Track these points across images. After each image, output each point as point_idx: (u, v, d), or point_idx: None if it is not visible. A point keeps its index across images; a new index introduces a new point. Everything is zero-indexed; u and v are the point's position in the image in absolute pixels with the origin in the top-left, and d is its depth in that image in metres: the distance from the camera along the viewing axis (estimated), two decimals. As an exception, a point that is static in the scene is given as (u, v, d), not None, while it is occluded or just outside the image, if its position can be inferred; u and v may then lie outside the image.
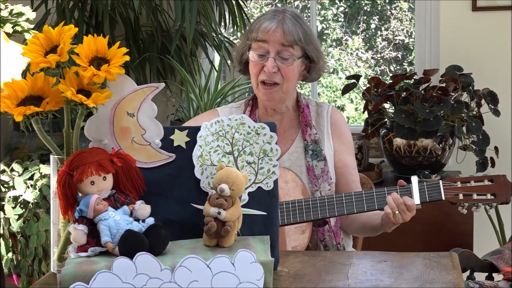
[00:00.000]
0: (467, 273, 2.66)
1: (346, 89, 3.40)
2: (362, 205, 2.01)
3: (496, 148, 3.27)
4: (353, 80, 3.38)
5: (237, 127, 1.58)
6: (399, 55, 5.18)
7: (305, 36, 2.12)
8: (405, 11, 5.19)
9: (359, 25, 5.24)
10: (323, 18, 5.19)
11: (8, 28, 2.55)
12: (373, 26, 5.22)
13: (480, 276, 2.71)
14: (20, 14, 2.64)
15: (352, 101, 5.33)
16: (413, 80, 3.31)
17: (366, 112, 3.40)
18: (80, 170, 1.43)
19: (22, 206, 2.84)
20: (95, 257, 1.41)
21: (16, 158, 3.13)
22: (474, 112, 3.24)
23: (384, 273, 1.57)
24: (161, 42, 3.52)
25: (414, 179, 2.00)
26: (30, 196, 2.83)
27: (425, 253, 1.70)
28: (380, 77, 3.80)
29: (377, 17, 5.22)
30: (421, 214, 2.07)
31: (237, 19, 3.37)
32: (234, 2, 3.39)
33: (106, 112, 1.53)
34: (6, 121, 3.33)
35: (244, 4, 3.53)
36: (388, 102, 3.28)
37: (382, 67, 5.22)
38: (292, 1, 4.96)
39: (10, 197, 2.84)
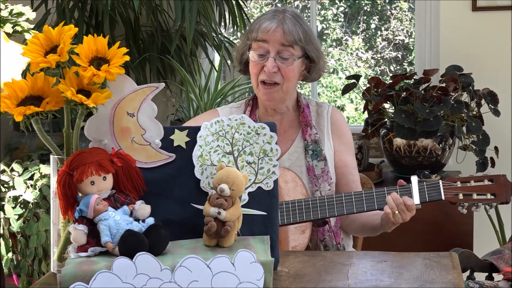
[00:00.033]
0: (467, 273, 2.66)
1: (346, 89, 3.40)
2: (362, 205, 2.01)
3: (496, 148, 3.27)
4: (353, 80, 3.38)
5: (237, 127, 1.58)
6: (399, 55, 5.18)
7: (305, 36, 2.12)
8: (405, 11, 5.19)
9: (359, 25, 5.24)
10: (323, 18, 5.19)
11: (8, 28, 2.55)
12: (373, 26, 5.22)
13: (480, 276, 2.71)
14: (20, 14, 2.64)
15: (352, 101, 5.33)
16: (413, 80, 3.31)
17: (366, 112, 3.40)
18: (80, 170, 1.43)
19: (22, 206, 2.85)
20: (95, 257, 1.41)
21: (16, 158, 3.13)
22: (474, 112, 3.24)
23: (384, 273, 1.57)
24: (161, 42, 3.52)
25: (414, 179, 2.00)
26: (30, 196, 2.83)
27: (425, 253, 1.70)
28: (380, 77, 3.80)
29: (377, 17, 5.22)
30: (421, 214, 2.07)
31: (237, 19, 3.37)
32: (234, 2, 3.39)
33: (106, 112, 1.53)
34: (6, 121, 3.33)
35: (244, 4, 3.53)
36: (388, 102, 3.28)
37: (382, 67, 5.22)
38: (292, 1, 4.96)
39: (10, 197, 2.84)
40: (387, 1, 5.15)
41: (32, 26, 2.71)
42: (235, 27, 3.43)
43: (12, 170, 2.91)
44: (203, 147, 1.56)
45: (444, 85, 3.23)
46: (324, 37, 5.20)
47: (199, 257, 1.32)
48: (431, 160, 3.21)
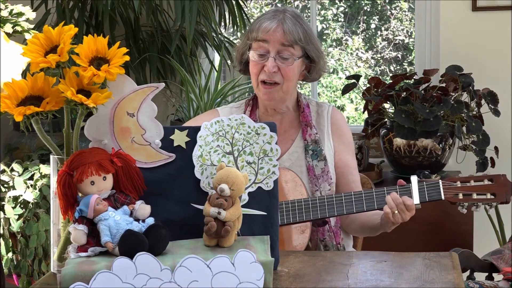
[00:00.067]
0: (467, 273, 2.66)
1: (346, 89, 3.40)
2: (361, 205, 2.01)
3: (496, 148, 3.27)
4: (353, 80, 3.38)
5: (237, 127, 1.58)
6: (399, 55, 5.18)
7: (305, 36, 2.12)
8: (405, 11, 5.19)
9: (359, 25, 5.24)
10: (323, 18, 5.19)
11: (8, 28, 2.55)
12: (373, 26, 5.22)
13: (480, 276, 2.71)
14: (20, 14, 2.64)
15: (352, 101, 5.33)
16: (413, 80, 3.31)
17: (366, 112, 3.40)
18: (80, 170, 1.43)
19: (22, 206, 2.84)
20: (95, 257, 1.41)
21: (16, 158, 3.13)
22: (474, 112, 3.24)
23: (384, 273, 1.57)
24: (161, 42, 3.52)
25: (414, 178, 2.00)
26: (30, 196, 2.83)
27: (425, 253, 1.70)
28: (380, 77, 3.80)
29: (377, 17, 5.22)
30: (421, 214, 2.07)
31: (237, 19, 3.37)
32: (234, 2, 3.39)
33: (106, 112, 1.53)
34: (6, 121, 3.33)
35: (244, 4, 3.53)
36: (388, 102, 3.28)
37: (382, 67, 5.22)
38: (292, 1, 4.96)
39: (10, 197, 2.84)
40: (387, 1, 5.15)
41: (32, 26, 2.71)
42: (235, 27, 3.43)
43: (12, 170, 2.91)
44: (203, 147, 1.56)
45: (444, 85, 3.23)
46: (324, 37, 5.20)
47: (199, 257, 1.32)
48: (431, 160, 3.21)
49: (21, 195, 2.84)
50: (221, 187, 1.46)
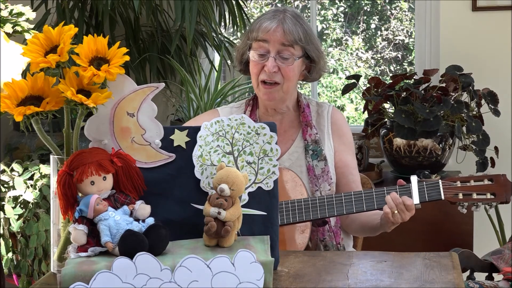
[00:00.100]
0: (467, 273, 2.66)
1: (346, 89, 3.40)
2: (361, 205, 2.01)
3: (496, 148, 3.27)
4: (353, 80, 3.38)
5: (237, 127, 1.58)
6: (399, 55, 5.18)
7: (305, 36, 2.12)
8: (405, 11, 5.19)
9: (359, 25, 5.24)
10: (323, 18, 5.19)
11: (8, 28, 2.55)
12: (373, 26, 5.22)
13: (480, 276, 2.71)
14: (20, 14, 2.64)
15: (352, 101, 5.33)
16: (413, 80, 3.31)
17: (366, 112, 3.40)
18: (80, 170, 1.43)
19: (22, 206, 2.84)
20: (95, 257, 1.41)
21: (16, 158, 3.13)
22: (474, 112, 3.24)
23: (384, 273, 1.57)
24: (161, 42, 3.52)
25: (414, 178, 2.00)
26: (30, 196, 2.83)
27: (425, 253, 1.70)
28: (380, 77, 3.80)
29: (377, 17, 5.22)
30: (421, 214, 2.07)
31: (237, 19, 3.37)
32: (234, 2, 3.39)
33: (106, 112, 1.53)
34: (6, 121, 3.33)
35: (244, 4, 3.53)
36: (388, 102, 3.28)
37: (382, 67, 5.22)
38: (292, 1, 4.96)
39: (10, 197, 2.84)
40: (387, 1, 5.15)
41: (32, 26, 2.71)
42: (235, 27, 3.43)
43: (12, 170, 2.91)
44: (203, 147, 1.56)
45: (444, 85, 3.23)
46: (324, 37, 5.20)
47: (199, 257, 1.32)
48: (431, 160, 3.21)
49: (21, 195, 2.84)
50: (221, 187, 1.46)
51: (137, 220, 1.45)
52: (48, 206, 2.84)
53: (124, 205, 1.46)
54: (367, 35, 5.30)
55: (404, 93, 3.21)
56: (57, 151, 1.52)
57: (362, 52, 5.25)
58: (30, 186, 2.86)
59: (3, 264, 2.82)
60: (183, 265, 1.31)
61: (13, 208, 2.83)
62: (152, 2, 3.25)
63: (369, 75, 5.03)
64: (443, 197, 1.98)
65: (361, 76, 3.70)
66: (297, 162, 2.17)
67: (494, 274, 2.69)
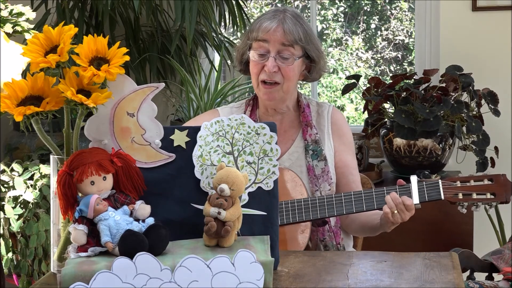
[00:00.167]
0: (467, 273, 2.66)
1: (346, 89, 3.40)
2: (361, 205, 2.01)
3: (496, 148, 3.27)
4: (353, 80, 3.38)
5: (237, 127, 1.58)
6: (399, 55, 5.18)
7: (305, 36, 2.12)
8: (405, 11, 5.19)
9: (359, 25, 5.24)
10: (323, 18, 5.19)
11: (8, 28, 2.55)
12: (373, 26, 5.22)
13: (480, 276, 2.71)
14: (20, 14, 2.64)
15: (352, 101, 5.33)
16: (413, 80, 3.31)
17: (366, 112, 3.40)
18: (80, 170, 1.43)
19: (22, 206, 2.85)
20: (95, 257, 1.41)
21: (16, 158, 3.13)
22: (474, 112, 3.24)
23: (384, 273, 1.57)
24: (161, 42, 3.52)
25: (414, 178, 2.00)
26: (30, 196, 2.83)
27: (425, 253, 1.70)
28: (380, 77, 3.80)
29: (377, 17, 5.22)
30: (421, 214, 2.07)
31: (237, 19, 3.37)
32: (234, 2, 3.39)
33: (106, 112, 1.53)
34: (6, 121, 3.33)
35: (244, 4, 3.53)
36: (388, 102, 3.28)
37: (382, 67, 5.22)
38: (292, 1, 4.96)
39: (10, 197, 2.84)
40: (387, 1, 5.15)
41: (32, 26, 2.71)
42: (235, 27, 3.43)
43: (12, 170, 2.91)
44: (203, 147, 1.56)
45: (444, 85, 3.23)
46: (324, 37, 5.20)
47: (199, 257, 1.32)
48: (431, 160, 3.21)
49: (21, 195, 2.84)
50: (221, 187, 1.46)
51: (137, 220, 1.45)
52: (48, 206, 2.84)
53: (124, 205, 1.46)
54: (367, 35, 5.30)
55: (404, 93, 3.21)
56: (57, 151, 1.52)
57: (362, 52, 5.25)
58: (30, 186, 2.86)
59: (3, 264, 2.82)
60: (183, 265, 1.31)
61: (13, 208, 2.83)
62: (152, 2, 3.25)
63: (369, 75, 5.03)
64: (443, 197, 1.98)
65: (361, 76, 3.70)
66: (297, 162, 2.17)
67: (494, 274, 2.69)
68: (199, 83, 3.41)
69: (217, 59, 3.70)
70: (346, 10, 5.26)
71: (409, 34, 5.13)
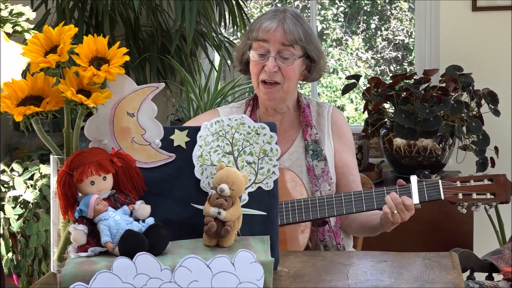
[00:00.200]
0: (467, 273, 2.66)
1: (346, 89, 3.40)
2: (361, 205, 2.01)
3: (496, 148, 3.27)
4: (353, 80, 3.38)
5: (237, 127, 1.58)
6: (399, 55, 5.18)
7: (305, 36, 2.12)
8: (405, 11, 5.19)
9: (359, 25, 5.24)
10: (323, 18, 5.19)
11: (8, 28, 2.55)
12: (373, 26, 5.22)
13: (480, 276, 2.71)
14: (20, 14, 2.64)
15: (352, 101, 5.33)
16: (413, 80, 3.31)
17: (366, 112, 3.40)
18: (80, 170, 1.43)
19: (22, 206, 2.84)
20: (95, 257, 1.41)
21: (16, 158, 3.13)
22: (474, 112, 3.24)
23: (384, 273, 1.57)
24: (161, 42, 3.52)
25: (413, 178, 2.00)
26: (30, 196, 2.83)
27: (425, 253, 1.70)
28: (380, 77, 3.80)
29: (377, 17, 5.22)
30: (421, 214, 2.07)
31: (237, 19, 3.37)
32: (234, 2, 3.39)
33: (106, 112, 1.53)
34: (6, 121, 3.33)
35: (244, 4, 3.53)
36: (388, 102, 3.28)
37: (382, 67, 5.22)
38: (292, 1, 4.96)
39: (10, 197, 2.84)
40: (387, 1, 5.15)
41: (32, 26, 2.71)
42: (235, 27, 3.43)
43: (12, 170, 2.91)
44: (203, 147, 1.56)
45: (444, 85, 3.23)
46: (324, 37, 5.20)
47: (199, 257, 1.32)
48: (431, 160, 3.21)
49: (21, 195, 2.84)
50: (221, 187, 1.46)
51: (137, 220, 1.45)
52: (48, 206, 2.84)
53: (124, 205, 1.46)
54: (367, 35, 5.30)
55: (404, 93, 3.21)
56: (57, 151, 1.52)
57: (362, 52, 5.25)
58: (30, 186, 2.86)
59: (3, 264, 2.82)
60: (183, 265, 1.31)
61: (13, 208, 2.83)
62: (152, 2, 3.25)
63: (369, 75, 5.03)
64: (443, 197, 1.98)
65: (361, 76, 3.70)
66: (297, 162, 2.17)
67: (494, 274, 2.69)
68: (199, 83, 3.41)
69: (217, 59, 3.70)
70: (346, 10, 5.26)
71: (409, 34, 5.13)
